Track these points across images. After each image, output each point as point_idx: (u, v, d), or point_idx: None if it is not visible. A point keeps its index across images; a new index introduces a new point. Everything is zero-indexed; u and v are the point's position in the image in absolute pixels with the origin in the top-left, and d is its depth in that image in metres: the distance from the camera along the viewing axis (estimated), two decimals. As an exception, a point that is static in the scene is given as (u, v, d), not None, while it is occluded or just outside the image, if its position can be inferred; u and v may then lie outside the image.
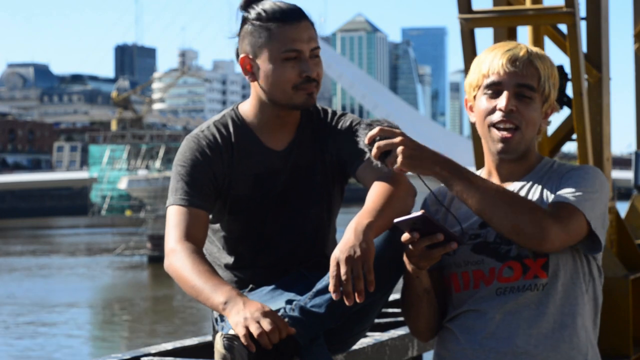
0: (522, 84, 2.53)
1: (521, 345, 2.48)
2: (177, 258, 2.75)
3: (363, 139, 2.48)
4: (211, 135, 2.93)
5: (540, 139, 2.70)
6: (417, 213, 2.40)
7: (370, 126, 2.47)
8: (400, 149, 2.43)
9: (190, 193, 2.84)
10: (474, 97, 2.60)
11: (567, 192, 2.49)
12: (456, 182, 2.46)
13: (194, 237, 2.80)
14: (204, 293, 2.65)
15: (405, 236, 2.44)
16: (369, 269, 2.53)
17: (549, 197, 2.52)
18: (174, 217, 2.83)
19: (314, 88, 2.88)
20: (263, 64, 2.86)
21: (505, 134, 2.53)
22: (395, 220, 2.43)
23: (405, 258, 2.53)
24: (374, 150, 2.45)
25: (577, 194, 2.48)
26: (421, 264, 2.49)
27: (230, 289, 2.62)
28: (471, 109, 2.63)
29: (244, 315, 2.54)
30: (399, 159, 2.43)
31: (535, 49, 2.59)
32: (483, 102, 2.56)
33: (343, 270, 2.52)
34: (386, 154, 2.45)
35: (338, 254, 2.54)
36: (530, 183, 2.57)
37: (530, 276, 2.51)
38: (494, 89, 2.55)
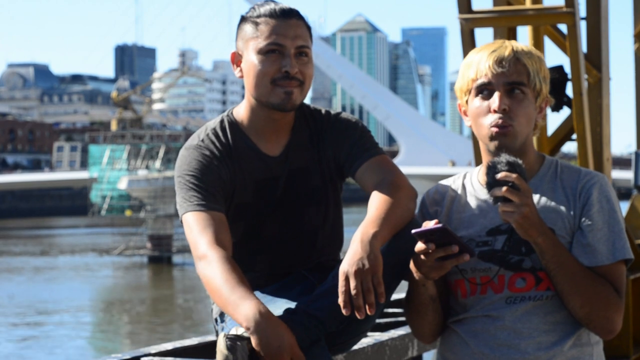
0: (511, 82, 2.53)
1: (531, 352, 2.49)
2: (209, 265, 2.68)
3: (495, 171, 2.41)
4: (211, 144, 2.90)
5: (538, 134, 2.70)
6: (436, 225, 2.39)
7: (511, 166, 2.41)
8: (524, 209, 2.40)
9: (207, 198, 2.80)
10: (466, 101, 2.60)
11: (605, 244, 2.50)
12: (550, 258, 2.47)
13: (223, 242, 2.74)
14: (229, 306, 2.59)
15: (420, 247, 2.44)
16: (379, 281, 2.52)
17: (566, 220, 2.53)
18: (198, 222, 2.76)
19: (294, 87, 2.84)
20: (247, 57, 2.86)
21: (499, 130, 2.52)
22: (413, 231, 2.42)
23: (412, 267, 2.52)
24: (500, 190, 2.39)
25: (615, 240, 2.51)
26: (431, 275, 2.49)
27: (255, 305, 2.55)
28: (465, 113, 2.63)
29: (268, 342, 2.50)
30: (516, 216, 2.41)
31: (521, 46, 2.59)
32: (476, 104, 2.57)
33: (353, 284, 2.51)
34: (505, 199, 2.40)
35: (347, 267, 2.53)
36: (538, 196, 2.55)
37: (542, 288, 2.52)
38: (485, 90, 2.55)
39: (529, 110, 2.55)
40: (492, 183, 2.41)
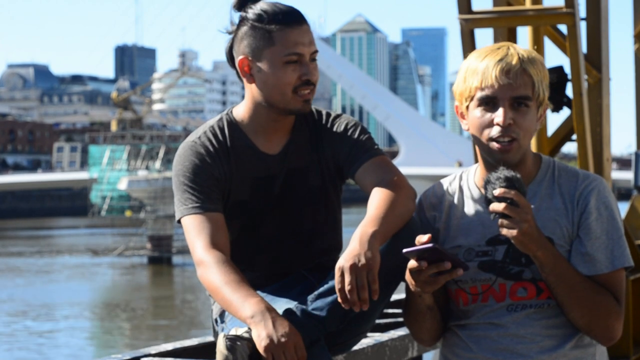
0: (517, 96, 2.49)
1: (534, 356, 2.49)
2: (207, 270, 2.72)
3: (493, 187, 2.40)
4: (207, 141, 2.90)
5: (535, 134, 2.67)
6: (427, 244, 2.39)
7: (510, 181, 2.39)
8: (524, 225, 2.39)
9: (201, 199, 2.82)
10: (467, 106, 2.56)
11: (604, 252, 2.50)
12: (550, 271, 2.46)
13: (219, 244, 2.77)
14: (232, 305, 2.63)
15: (413, 264, 2.44)
16: (374, 278, 2.53)
17: (564, 229, 2.51)
18: (194, 226, 2.79)
19: (311, 94, 2.87)
20: (264, 66, 2.85)
21: (503, 146, 2.49)
22: (405, 250, 2.42)
23: (408, 279, 2.52)
24: (499, 206, 2.38)
25: (614, 248, 2.50)
26: (426, 289, 2.49)
27: (258, 302, 2.59)
28: (463, 116, 2.59)
29: (270, 336, 2.52)
30: (516, 232, 2.40)
31: (526, 53, 2.54)
32: (478, 114, 2.52)
33: (347, 279, 2.52)
34: (504, 215, 2.40)
35: (343, 262, 2.54)
36: (535, 207, 2.52)
37: (543, 297, 2.52)
38: (489, 101, 2.51)
39: (532, 123, 2.52)
40: (490, 199, 2.41)
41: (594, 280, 2.49)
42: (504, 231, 2.41)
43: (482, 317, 2.55)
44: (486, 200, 2.42)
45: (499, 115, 2.49)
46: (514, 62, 2.50)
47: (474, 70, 2.52)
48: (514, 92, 2.49)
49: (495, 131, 2.50)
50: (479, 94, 2.51)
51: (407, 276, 2.51)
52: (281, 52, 2.82)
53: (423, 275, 2.44)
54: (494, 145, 2.50)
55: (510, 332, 2.51)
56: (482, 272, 2.54)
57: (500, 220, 2.41)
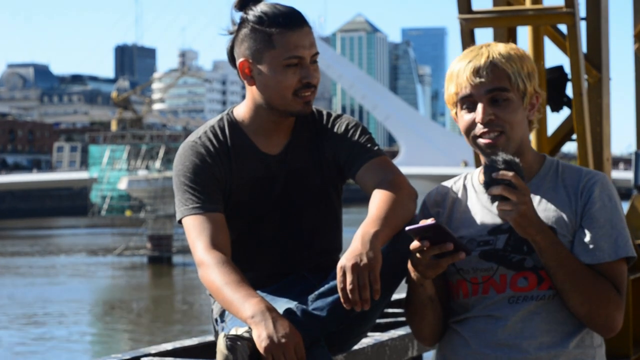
0: (491, 89, 2.52)
1: (533, 352, 2.49)
2: (208, 270, 2.73)
3: (492, 170, 2.42)
4: (208, 141, 2.91)
5: (537, 127, 2.69)
6: (429, 222, 2.39)
7: (508, 164, 2.42)
8: (522, 207, 2.41)
9: (202, 199, 2.82)
10: (455, 112, 2.61)
11: (607, 241, 2.50)
12: (549, 256, 2.47)
13: (220, 244, 2.78)
14: (233, 305, 2.63)
15: (415, 244, 2.44)
16: (375, 277, 2.53)
17: (567, 219, 2.52)
18: (194, 227, 2.80)
19: (312, 95, 2.88)
20: (264, 69, 2.85)
21: (489, 141, 2.53)
22: (407, 228, 2.42)
23: (410, 266, 2.53)
24: (498, 189, 2.40)
25: (617, 237, 2.51)
26: (427, 273, 2.49)
27: (259, 302, 2.59)
28: (456, 119, 2.64)
29: (271, 337, 2.52)
30: (514, 214, 2.41)
31: (500, 49, 2.56)
32: (464, 117, 2.57)
33: (349, 279, 2.53)
34: (502, 197, 2.42)
35: (345, 262, 2.55)
36: (539, 198, 2.55)
37: (545, 287, 2.52)
38: (468, 102, 2.55)
39: (517, 114, 2.55)
40: (489, 182, 2.42)
41: (596, 269, 2.50)
42: (503, 214, 2.43)
43: (482, 310, 2.55)
44: (485, 184, 2.44)
45: (478, 113, 2.53)
46: (482, 61, 2.54)
47: (450, 77, 2.59)
48: (487, 87, 2.52)
49: (478, 129, 2.54)
50: (458, 98, 2.57)
51: (409, 263, 2.52)
52: (281, 56, 2.82)
53: (425, 256, 2.44)
54: (481, 141, 2.54)
55: (510, 325, 2.51)
56: (484, 261, 2.55)
57: (498, 203, 2.42)
